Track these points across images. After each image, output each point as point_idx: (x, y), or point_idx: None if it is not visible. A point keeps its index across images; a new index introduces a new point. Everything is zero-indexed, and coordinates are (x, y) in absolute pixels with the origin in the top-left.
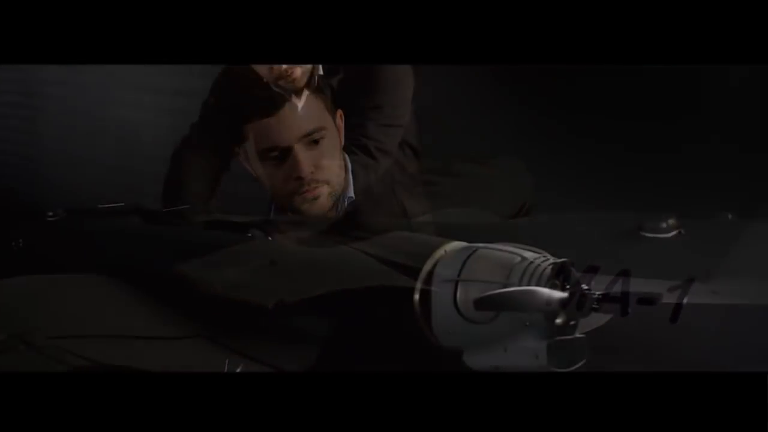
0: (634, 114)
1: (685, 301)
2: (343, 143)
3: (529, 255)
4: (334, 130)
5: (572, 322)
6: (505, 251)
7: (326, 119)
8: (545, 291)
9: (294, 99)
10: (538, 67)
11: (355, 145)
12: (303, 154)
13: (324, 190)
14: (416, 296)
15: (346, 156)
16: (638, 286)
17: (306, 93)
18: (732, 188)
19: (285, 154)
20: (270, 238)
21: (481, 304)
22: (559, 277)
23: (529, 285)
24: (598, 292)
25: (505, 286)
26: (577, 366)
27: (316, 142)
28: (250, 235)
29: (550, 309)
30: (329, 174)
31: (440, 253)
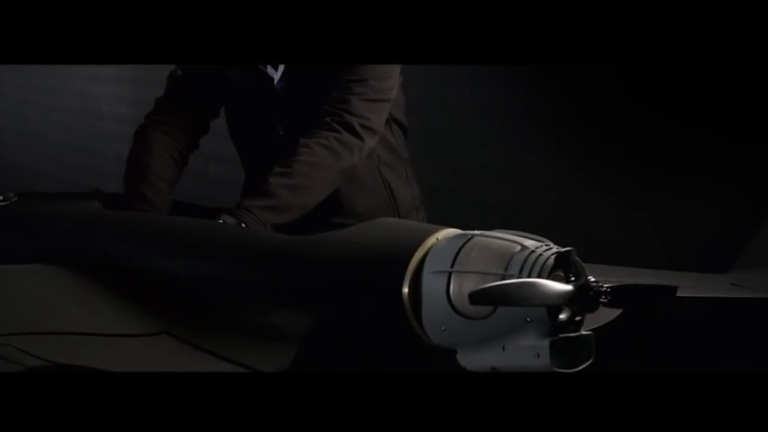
0: (635, 112)
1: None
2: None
3: (530, 244)
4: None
5: (578, 318)
6: (504, 239)
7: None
8: (548, 284)
9: (270, 71)
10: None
11: (337, 122)
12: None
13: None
14: (405, 289)
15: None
16: (649, 278)
17: (282, 65)
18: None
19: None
20: (243, 225)
21: (477, 298)
22: (563, 268)
23: (530, 277)
24: (606, 285)
25: (504, 278)
26: (582, 366)
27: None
28: (221, 221)
29: (554, 303)
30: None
31: (432, 241)
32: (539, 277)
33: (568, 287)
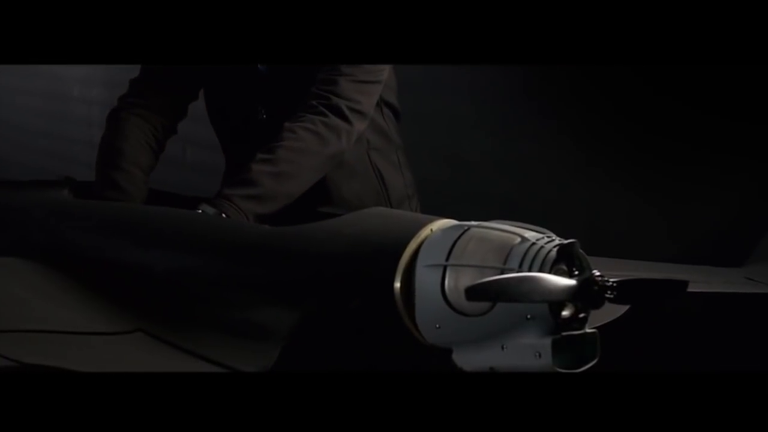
0: (644, 94)
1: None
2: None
3: (530, 235)
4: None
5: (581, 315)
6: (503, 231)
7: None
8: (550, 278)
9: None
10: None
11: (324, 105)
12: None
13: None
14: (397, 284)
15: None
16: (658, 271)
17: None
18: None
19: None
20: (224, 215)
21: (474, 293)
22: (566, 261)
23: (530, 271)
24: (612, 279)
25: (503, 272)
26: (587, 367)
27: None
28: (200, 211)
29: (556, 299)
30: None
31: (425, 232)
32: (540, 270)
33: (572, 282)
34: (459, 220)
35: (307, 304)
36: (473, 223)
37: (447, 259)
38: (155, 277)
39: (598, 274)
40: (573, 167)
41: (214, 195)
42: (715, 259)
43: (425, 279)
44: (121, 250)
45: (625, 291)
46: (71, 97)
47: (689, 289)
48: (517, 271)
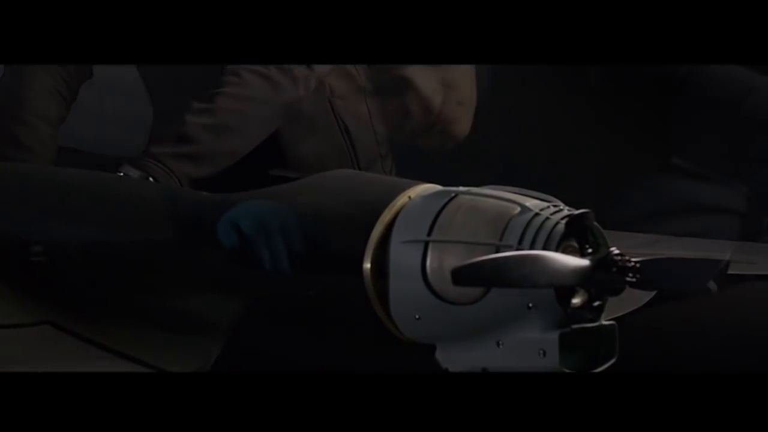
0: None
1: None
2: None
3: (533, 204)
4: None
5: (596, 303)
6: (499, 199)
7: None
8: (557, 257)
9: None
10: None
11: None
12: None
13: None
14: (367, 265)
15: None
16: (690, 249)
17: None
18: None
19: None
20: (151, 179)
21: (463, 276)
22: (577, 236)
23: (533, 248)
24: (634, 258)
25: (499, 250)
26: (602, 367)
27: None
28: (121, 174)
29: (565, 283)
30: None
31: (402, 200)
32: (545, 248)
33: (584, 262)
34: (444, 185)
35: (254, 289)
36: (461, 189)
37: (429, 234)
38: (67, 256)
39: (616, 252)
40: (584, 118)
41: (140, 154)
42: (762, 234)
43: (402, 258)
44: (24, 224)
45: (650, 273)
46: None
47: (729, 272)
48: (517, 249)
